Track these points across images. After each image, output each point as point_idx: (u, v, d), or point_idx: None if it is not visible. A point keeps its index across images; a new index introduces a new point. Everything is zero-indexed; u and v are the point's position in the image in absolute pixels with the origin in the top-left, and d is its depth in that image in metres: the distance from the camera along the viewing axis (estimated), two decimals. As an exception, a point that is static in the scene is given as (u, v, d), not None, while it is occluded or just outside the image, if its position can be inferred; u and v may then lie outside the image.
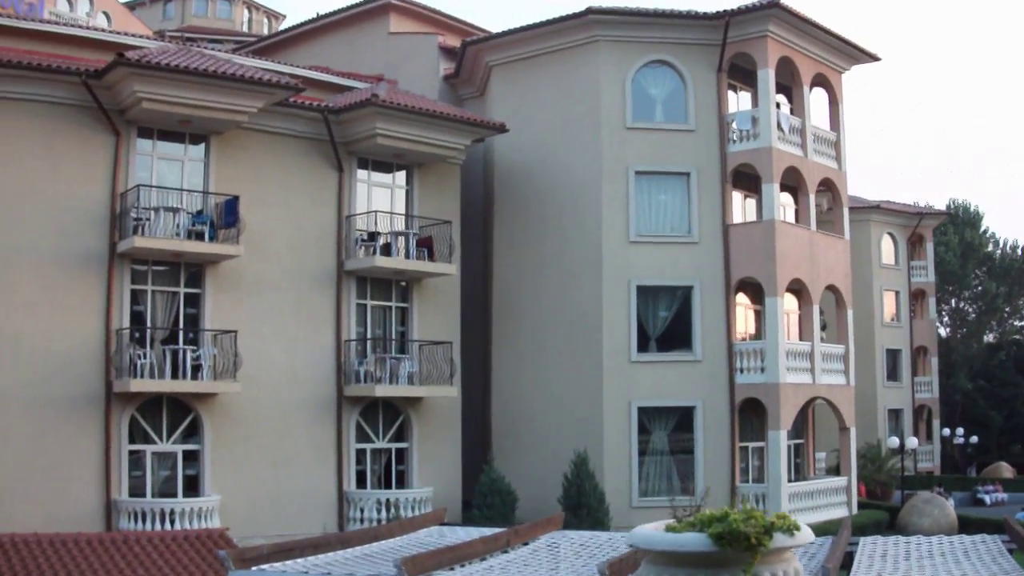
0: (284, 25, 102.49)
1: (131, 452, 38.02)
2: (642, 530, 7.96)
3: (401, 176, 45.81)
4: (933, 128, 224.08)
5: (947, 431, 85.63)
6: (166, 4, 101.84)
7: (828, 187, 51.86)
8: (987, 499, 71.51)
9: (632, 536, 7.87)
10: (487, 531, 22.74)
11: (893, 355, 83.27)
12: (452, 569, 18.56)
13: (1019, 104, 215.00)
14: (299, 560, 18.70)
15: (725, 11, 46.70)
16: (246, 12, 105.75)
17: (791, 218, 50.49)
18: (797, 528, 7.47)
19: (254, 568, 18.04)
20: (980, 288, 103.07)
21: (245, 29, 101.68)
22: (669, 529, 7.65)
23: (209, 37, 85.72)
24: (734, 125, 47.59)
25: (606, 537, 21.84)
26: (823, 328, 55.81)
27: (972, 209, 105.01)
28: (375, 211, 44.00)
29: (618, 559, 17.31)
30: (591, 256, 46.48)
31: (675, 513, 7.82)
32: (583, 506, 40.30)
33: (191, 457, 39.27)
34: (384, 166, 45.16)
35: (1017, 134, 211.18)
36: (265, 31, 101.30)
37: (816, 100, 51.78)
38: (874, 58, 52.59)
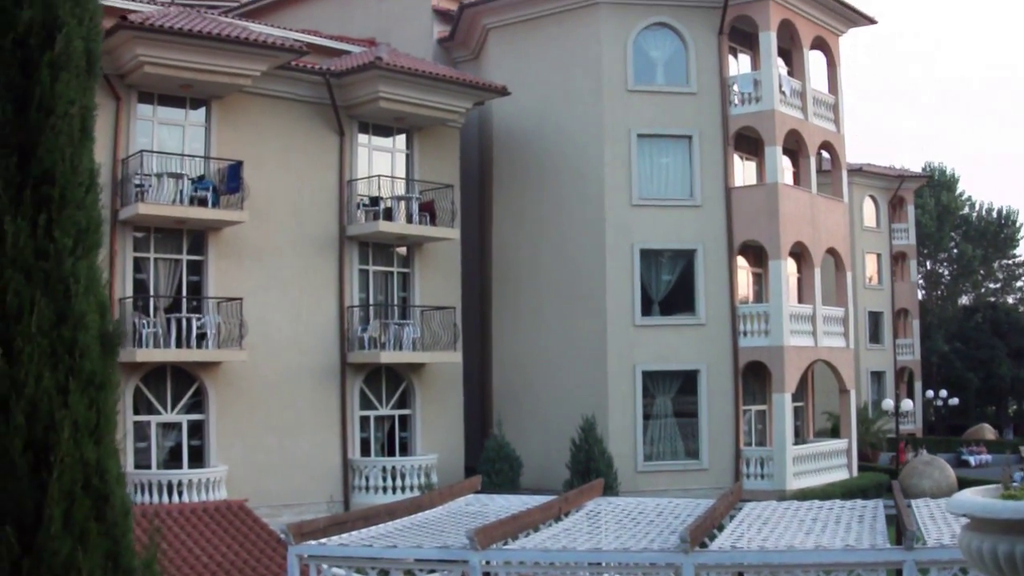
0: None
1: (136, 423, 37.17)
2: (970, 498, 7.44)
3: (401, 140, 45.01)
4: (910, 90, 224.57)
5: (929, 393, 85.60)
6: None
7: (827, 150, 51.55)
8: (972, 460, 71.48)
9: (961, 505, 7.33)
10: (528, 499, 22.70)
11: (875, 317, 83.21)
12: (516, 538, 18.27)
13: (994, 69, 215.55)
14: (353, 533, 18.52)
15: (727, -27, 46.02)
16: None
17: (790, 181, 49.87)
18: None
19: (313, 542, 17.65)
20: (956, 251, 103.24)
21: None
22: (1006, 497, 7.12)
23: (190, 3, 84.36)
24: (736, 88, 47.03)
25: (652, 504, 21.60)
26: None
27: (948, 172, 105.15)
28: (377, 176, 43.24)
29: (696, 526, 16.98)
30: (593, 220, 45.76)
31: (1004, 481, 7.24)
32: (592, 471, 39.53)
33: (195, 427, 38.48)
34: (384, 130, 44.35)
35: (993, 98, 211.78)
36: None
37: (814, 63, 51.16)
38: (871, 21, 52.12)
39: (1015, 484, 7.62)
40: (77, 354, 7.60)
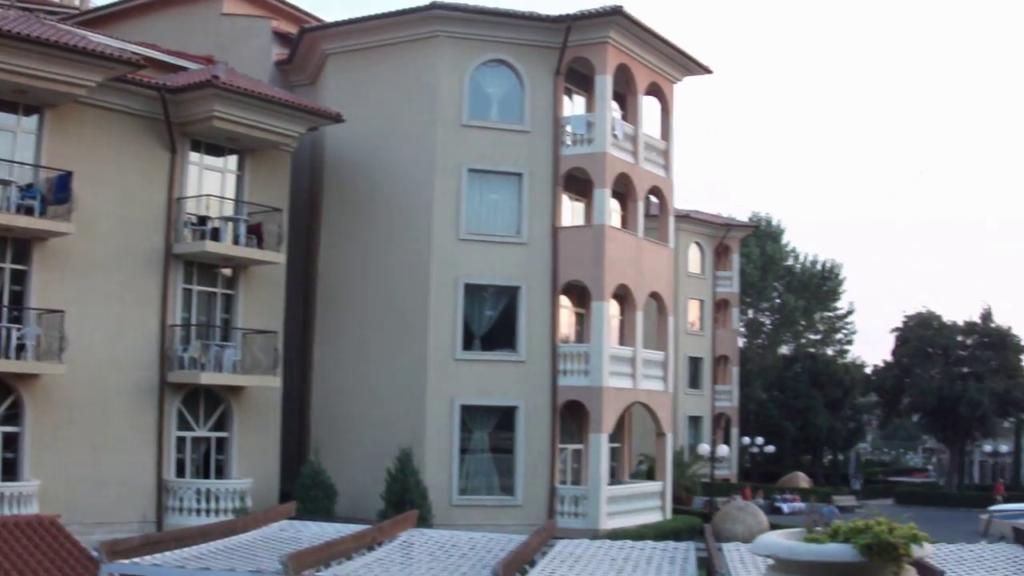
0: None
1: (-52, 433, 37.02)
2: (775, 540, 8.30)
3: (233, 160, 45.32)
4: (741, 142, 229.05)
5: (746, 439, 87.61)
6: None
7: (656, 195, 52.84)
8: (785, 508, 73.38)
9: (765, 545, 8.18)
10: (342, 527, 22.95)
11: (695, 363, 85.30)
12: (328, 566, 18.72)
13: (824, 126, 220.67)
14: (167, 554, 18.62)
15: (567, 15, 47.28)
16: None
17: (617, 223, 51.19)
18: (927, 539, 7.92)
19: (126, 561, 17.92)
20: (779, 301, 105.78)
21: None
22: (808, 540, 8.00)
23: (29, 6, 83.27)
24: (569, 129, 48.27)
25: (466, 537, 22.11)
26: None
27: (775, 223, 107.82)
28: (207, 195, 43.56)
29: (509, 560, 17.64)
30: (420, 252, 46.66)
31: (809, 525, 8.17)
32: (407, 502, 40.12)
33: (9, 439, 38.32)
34: (216, 149, 44.67)
35: (822, 154, 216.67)
36: (76, 1, 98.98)
37: (648, 108, 52.65)
38: (706, 70, 53.64)
39: (824, 521, 8.52)
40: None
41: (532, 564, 19.46)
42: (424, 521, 39.06)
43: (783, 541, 8.45)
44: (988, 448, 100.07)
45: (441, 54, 47.45)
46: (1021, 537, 21.83)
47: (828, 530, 8.28)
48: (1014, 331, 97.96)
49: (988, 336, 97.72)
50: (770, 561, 8.44)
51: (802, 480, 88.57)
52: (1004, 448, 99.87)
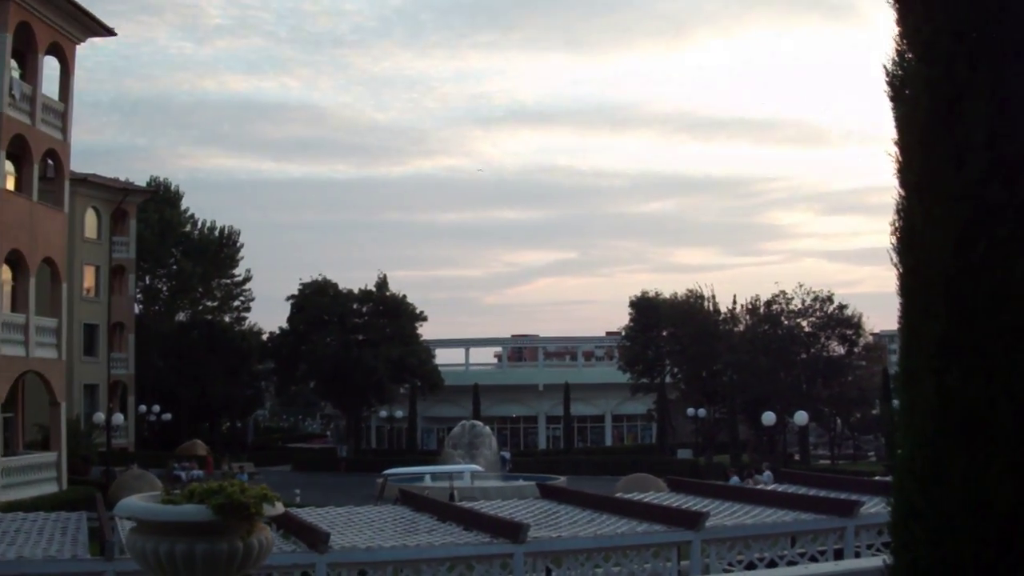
0: None
1: None
2: (134, 502, 8.85)
3: None
4: (139, 105, 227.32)
5: (143, 407, 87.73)
6: None
7: (52, 158, 52.48)
8: (183, 476, 74.05)
9: (125, 508, 8.71)
10: None
11: (91, 330, 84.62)
12: None
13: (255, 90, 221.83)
14: None
15: (-38, -33, 46.29)
16: None
17: (12, 186, 50.53)
18: (278, 499, 8.73)
19: None
20: (176, 267, 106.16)
21: None
22: (165, 501, 8.63)
23: None
24: (-35, 88, 47.26)
25: None
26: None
27: (174, 188, 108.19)
28: None
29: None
30: None
31: (165, 487, 8.94)
32: None
33: None
34: None
35: (216, 115, 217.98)
36: None
37: (49, 68, 52.19)
38: (110, 32, 53.69)
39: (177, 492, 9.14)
40: None
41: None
42: None
43: (141, 503, 8.96)
44: (384, 414, 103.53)
45: None
46: (407, 498, 23.72)
47: (185, 492, 9.00)
48: (408, 300, 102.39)
49: (383, 304, 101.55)
50: (132, 524, 9.11)
51: (200, 448, 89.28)
52: (400, 414, 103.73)
